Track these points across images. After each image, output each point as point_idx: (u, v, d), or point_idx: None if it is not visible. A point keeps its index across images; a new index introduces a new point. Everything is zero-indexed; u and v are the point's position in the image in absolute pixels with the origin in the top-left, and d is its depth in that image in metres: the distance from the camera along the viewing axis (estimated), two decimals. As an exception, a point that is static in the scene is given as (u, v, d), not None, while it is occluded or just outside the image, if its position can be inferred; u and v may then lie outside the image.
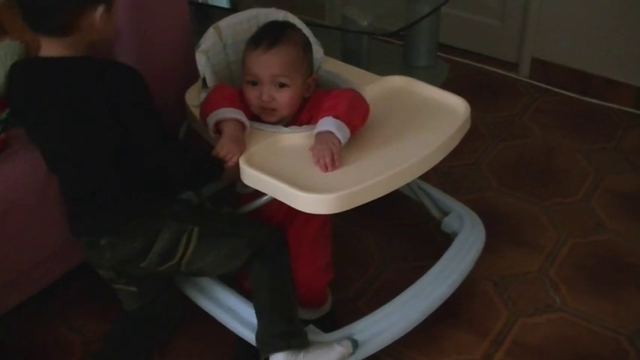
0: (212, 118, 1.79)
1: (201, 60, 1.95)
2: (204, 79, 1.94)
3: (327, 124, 1.75)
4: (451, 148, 1.87)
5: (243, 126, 1.80)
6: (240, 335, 1.90)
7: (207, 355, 2.03)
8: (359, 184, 1.68)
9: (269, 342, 1.79)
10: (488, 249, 2.17)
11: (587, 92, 3.04)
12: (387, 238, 2.38)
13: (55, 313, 2.15)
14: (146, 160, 1.75)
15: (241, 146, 1.76)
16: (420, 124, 1.91)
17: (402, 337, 1.91)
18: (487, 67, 3.25)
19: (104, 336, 2.02)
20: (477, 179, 2.61)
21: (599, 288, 2.20)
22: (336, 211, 1.68)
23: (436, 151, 1.82)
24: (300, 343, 1.79)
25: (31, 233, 1.87)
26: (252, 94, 1.86)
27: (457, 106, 1.94)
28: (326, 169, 1.72)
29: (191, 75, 1.99)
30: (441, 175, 2.59)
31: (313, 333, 1.85)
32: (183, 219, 1.79)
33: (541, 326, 2.08)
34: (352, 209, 1.69)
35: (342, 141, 1.74)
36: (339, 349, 1.80)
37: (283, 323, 1.79)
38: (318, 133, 1.75)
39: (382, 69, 2.25)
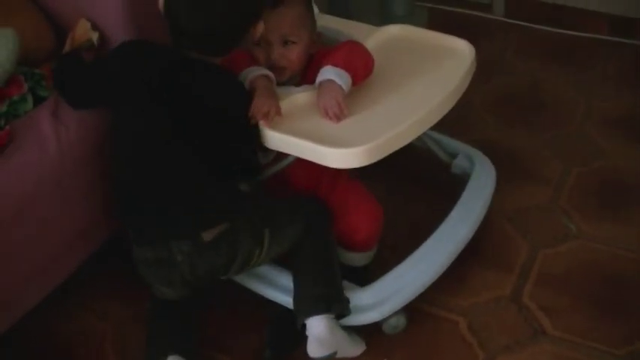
0: (244, 79, 1.78)
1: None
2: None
3: (327, 73, 1.76)
4: (463, 90, 1.89)
5: (271, 81, 1.80)
6: (276, 300, 1.91)
7: (240, 332, 2.01)
8: (384, 135, 1.69)
9: (310, 304, 1.79)
10: (497, 186, 2.18)
11: (563, 24, 3.06)
12: (395, 187, 2.39)
13: (76, 302, 2.10)
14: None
15: (277, 99, 1.75)
16: (428, 69, 1.92)
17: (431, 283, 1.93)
18: (463, 11, 3.25)
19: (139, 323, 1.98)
20: (473, 120, 2.63)
21: (610, 212, 2.25)
22: (365, 164, 1.68)
23: (451, 95, 1.84)
24: (342, 309, 1.80)
25: (50, 221, 1.84)
26: (261, 55, 1.85)
27: (461, 48, 1.96)
28: (336, 119, 1.72)
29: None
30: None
31: (349, 288, 1.87)
32: (256, 223, 1.76)
33: (563, 255, 2.12)
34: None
35: (345, 87, 1.74)
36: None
37: (328, 287, 1.80)
38: (320, 84, 1.76)
39: (361, 21, 2.23)
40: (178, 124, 1.71)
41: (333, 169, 1.73)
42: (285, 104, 1.78)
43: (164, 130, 1.71)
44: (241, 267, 1.78)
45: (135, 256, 1.78)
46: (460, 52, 1.94)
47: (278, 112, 1.72)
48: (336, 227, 1.90)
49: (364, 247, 1.97)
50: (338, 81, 1.74)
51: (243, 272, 1.84)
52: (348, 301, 1.82)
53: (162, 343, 1.83)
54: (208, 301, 2.02)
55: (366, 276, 1.95)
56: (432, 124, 1.80)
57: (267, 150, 1.79)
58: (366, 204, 1.95)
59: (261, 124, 1.72)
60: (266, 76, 1.79)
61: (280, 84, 1.85)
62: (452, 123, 2.35)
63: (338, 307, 1.79)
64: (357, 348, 1.86)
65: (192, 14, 1.68)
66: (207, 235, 1.71)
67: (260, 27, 1.76)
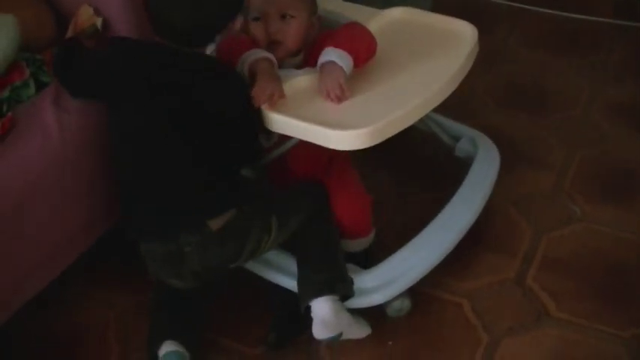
0: (244, 63, 1.76)
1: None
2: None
3: (328, 54, 1.75)
4: (466, 72, 1.87)
5: (272, 63, 1.78)
6: (281, 284, 1.91)
7: (245, 316, 2.01)
8: (386, 117, 1.68)
9: (314, 286, 1.78)
10: (501, 171, 2.17)
11: (567, 8, 3.05)
12: (398, 172, 2.39)
13: (78, 291, 2.09)
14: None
15: (280, 82, 1.74)
16: (430, 51, 1.91)
17: (435, 266, 1.93)
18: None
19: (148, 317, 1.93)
20: (477, 105, 2.62)
21: (614, 196, 2.25)
22: (369, 145, 1.67)
23: (453, 77, 1.82)
24: (346, 290, 1.80)
25: (52, 212, 1.82)
26: (258, 29, 1.84)
27: (464, 30, 1.95)
28: (338, 100, 1.71)
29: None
30: (439, 104, 2.58)
31: (353, 271, 1.86)
32: (262, 211, 1.76)
33: (567, 239, 2.12)
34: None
35: (346, 69, 1.73)
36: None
37: (331, 269, 1.80)
38: (322, 65, 1.76)
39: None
40: (179, 124, 1.70)
41: (330, 153, 1.72)
42: (287, 87, 1.76)
43: (164, 126, 1.70)
44: (250, 256, 1.78)
45: (142, 252, 1.77)
46: (462, 34, 1.93)
47: (281, 95, 1.71)
48: None
49: (353, 235, 1.95)
50: (339, 62, 1.73)
51: (251, 260, 1.84)
52: (352, 281, 1.82)
53: (162, 329, 1.82)
54: (216, 294, 2.00)
55: (367, 260, 1.95)
56: (434, 106, 1.79)
57: (270, 133, 1.78)
58: (349, 194, 1.92)
59: (264, 107, 1.71)
60: (267, 59, 1.77)
61: (282, 67, 1.84)
62: (455, 109, 2.37)
63: (342, 288, 1.79)
64: (363, 331, 1.85)
65: (178, 9, 1.66)
66: (215, 224, 1.69)
67: (238, 22, 1.75)
